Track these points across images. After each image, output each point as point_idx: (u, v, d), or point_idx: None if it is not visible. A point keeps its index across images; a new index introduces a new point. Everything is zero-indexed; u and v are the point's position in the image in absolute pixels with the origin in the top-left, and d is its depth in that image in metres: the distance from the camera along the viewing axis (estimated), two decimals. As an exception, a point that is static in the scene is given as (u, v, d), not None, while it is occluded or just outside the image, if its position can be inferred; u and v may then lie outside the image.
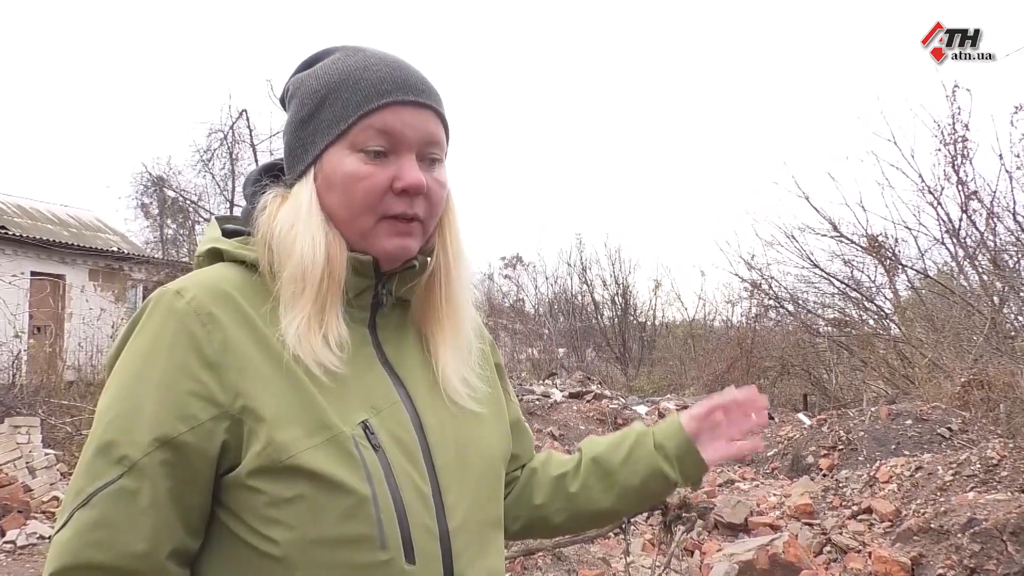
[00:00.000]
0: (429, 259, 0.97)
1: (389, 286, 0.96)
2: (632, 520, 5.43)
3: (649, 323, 20.65)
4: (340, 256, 0.90)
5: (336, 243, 0.90)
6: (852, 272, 13.13)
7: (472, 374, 1.00)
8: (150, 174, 20.31)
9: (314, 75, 0.95)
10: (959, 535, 4.34)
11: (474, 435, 0.98)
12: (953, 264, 11.66)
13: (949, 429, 6.97)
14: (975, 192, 10.46)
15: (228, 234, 0.97)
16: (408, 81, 0.93)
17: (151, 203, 21.54)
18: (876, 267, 12.83)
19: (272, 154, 17.24)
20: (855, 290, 13.12)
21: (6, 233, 13.97)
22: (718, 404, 1.09)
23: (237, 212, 1.06)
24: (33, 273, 14.45)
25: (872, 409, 7.77)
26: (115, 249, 17.00)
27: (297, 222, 0.90)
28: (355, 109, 0.90)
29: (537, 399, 10.21)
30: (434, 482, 0.90)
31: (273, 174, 0.99)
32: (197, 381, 0.82)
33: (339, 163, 0.91)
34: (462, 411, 0.97)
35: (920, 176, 11.19)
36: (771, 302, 15.13)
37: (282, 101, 1.02)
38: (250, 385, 0.83)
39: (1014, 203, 10.01)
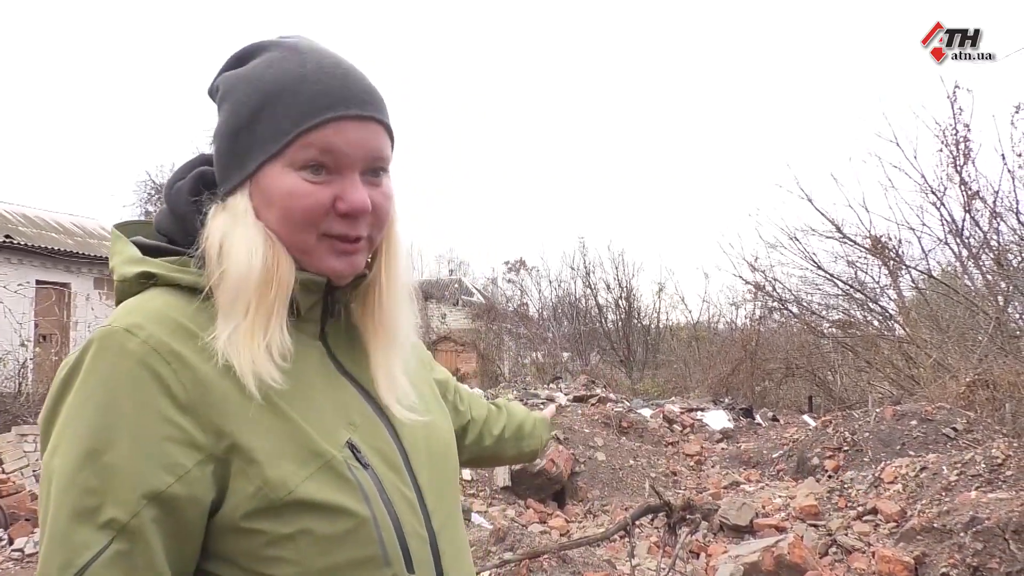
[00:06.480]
0: (368, 270, 0.95)
1: (339, 297, 0.94)
2: (637, 523, 5.45)
3: (653, 326, 20.64)
4: (285, 266, 0.85)
5: (278, 252, 0.85)
6: (856, 273, 13.10)
7: (408, 377, 0.98)
8: (153, 182, 20.45)
9: (247, 79, 0.88)
10: (961, 534, 4.35)
11: (431, 429, 0.98)
12: (957, 264, 11.63)
13: (954, 429, 6.96)
14: (977, 192, 10.47)
15: (146, 249, 0.89)
16: (351, 92, 0.86)
17: (155, 211, 21.64)
18: (880, 268, 12.81)
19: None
20: (859, 291, 13.08)
21: (11, 242, 14.05)
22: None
23: None
24: (38, 282, 14.52)
25: (877, 410, 7.76)
26: (120, 257, 17.04)
27: (233, 230, 0.84)
28: (293, 126, 0.84)
29: (542, 403, 10.22)
30: (416, 488, 0.90)
31: (204, 180, 0.91)
32: (174, 426, 0.76)
33: (277, 180, 0.85)
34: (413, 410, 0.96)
35: (923, 177, 11.16)
36: (775, 304, 15.10)
37: (211, 94, 0.94)
38: (233, 424, 0.78)
39: (1017, 202, 10.04)
